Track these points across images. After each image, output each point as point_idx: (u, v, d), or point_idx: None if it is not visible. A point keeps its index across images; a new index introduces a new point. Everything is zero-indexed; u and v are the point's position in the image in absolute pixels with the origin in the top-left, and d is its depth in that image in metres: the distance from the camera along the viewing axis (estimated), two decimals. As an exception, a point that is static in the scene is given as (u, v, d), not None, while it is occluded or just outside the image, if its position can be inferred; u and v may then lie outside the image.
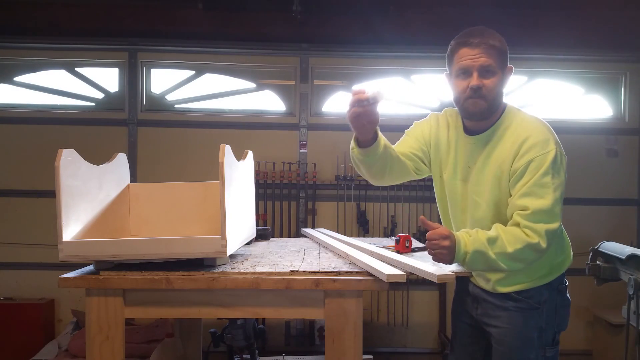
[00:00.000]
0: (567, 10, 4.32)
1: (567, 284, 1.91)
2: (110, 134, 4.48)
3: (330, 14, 4.36)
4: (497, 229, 1.69)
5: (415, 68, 4.58)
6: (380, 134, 1.82)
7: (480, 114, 1.78)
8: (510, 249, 1.65)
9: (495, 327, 1.87)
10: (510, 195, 1.75)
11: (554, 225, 1.67)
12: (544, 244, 1.66)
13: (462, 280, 2.00)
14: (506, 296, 1.84)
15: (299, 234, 4.42)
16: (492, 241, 1.66)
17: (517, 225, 1.69)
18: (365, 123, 1.71)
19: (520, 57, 4.55)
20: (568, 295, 1.91)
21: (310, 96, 4.56)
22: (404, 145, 2.02)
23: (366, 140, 1.79)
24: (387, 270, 1.77)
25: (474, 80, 1.73)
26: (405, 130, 2.09)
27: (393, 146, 1.96)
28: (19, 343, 4.10)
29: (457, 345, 2.08)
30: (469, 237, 1.69)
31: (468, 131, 1.89)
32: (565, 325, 1.89)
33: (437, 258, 1.71)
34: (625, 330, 2.72)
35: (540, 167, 1.68)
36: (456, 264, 1.75)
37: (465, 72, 1.75)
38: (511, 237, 1.66)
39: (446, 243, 1.66)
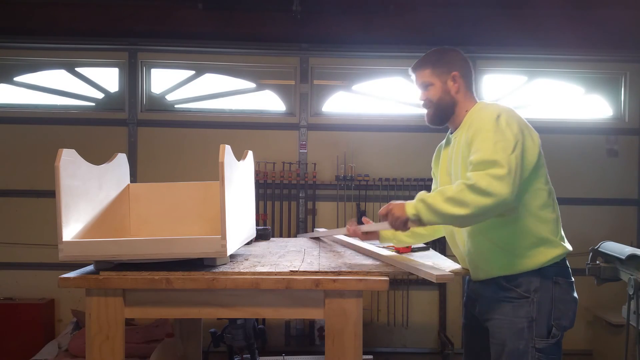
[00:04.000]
0: (567, 10, 4.32)
1: (573, 280, 1.90)
2: (110, 134, 4.48)
3: (330, 13, 4.36)
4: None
5: (415, 68, 4.58)
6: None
7: (431, 120, 2.04)
8: (449, 193, 1.73)
9: (490, 320, 1.90)
10: None
11: (497, 171, 1.69)
12: (483, 185, 1.68)
13: (467, 284, 2.07)
14: (497, 286, 1.87)
15: (299, 234, 4.43)
16: (440, 192, 1.77)
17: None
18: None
19: (520, 57, 4.56)
20: (575, 294, 1.90)
21: (310, 96, 4.56)
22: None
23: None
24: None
25: (419, 96, 2.06)
26: None
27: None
28: (19, 343, 4.10)
29: (470, 356, 2.11)
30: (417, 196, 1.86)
31: (451, 133, 2.08)
32: (568, 321, 1.87)
33: (395, 220, 1.84)
34: (625, 330, 2.72)
35: (482, 127, 1.80)
36: (413, 220, 1.81)
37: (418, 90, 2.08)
38: (455, 185, 1.75)
39: (390, 207, 1.85)
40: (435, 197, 1.75)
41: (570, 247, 1.90)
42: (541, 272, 1.84)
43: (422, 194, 1.81)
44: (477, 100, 2.01)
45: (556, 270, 1.86)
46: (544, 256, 1.84)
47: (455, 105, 1.99)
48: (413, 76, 2.06)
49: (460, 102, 1.99)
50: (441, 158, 2.09)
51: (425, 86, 2.01)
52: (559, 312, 1.85)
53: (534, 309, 1.82)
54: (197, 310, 1.84)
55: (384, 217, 1.86)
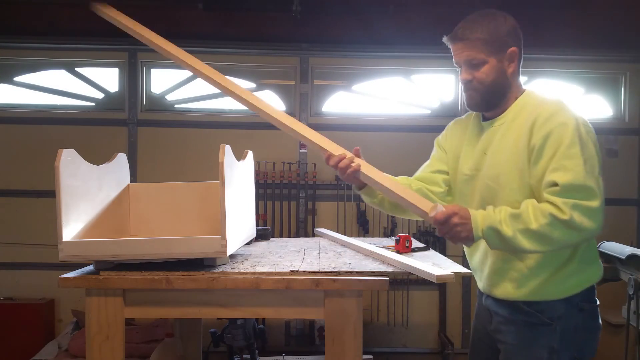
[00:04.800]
0: (567, 10, 4.32)
1: (598, 304, 1.71)
2: (110, 134, 4.47)
3: (330, 13, 4.36)
4: (526, 204, 1.53)
5: (415, 68, 4.58)
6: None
7: (475, 106, 1.74)
8: (534, 225, 1.48)
9: (504, 343, 1.75)
10: (530, 176, 1.59)
11: (591, 203, 1.45)
12: (577, 220, 1.45)
13: (480, 295, 1.92)
14: (515, 308, 1.70)
15: (299, 234, 4.42)
16: (514, 217, 1.52)
17: (547, 202, 1.52)
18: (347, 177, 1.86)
19: (520, 57, 4.55)
20: (600, 320, 1.72)
21: (310, 96, 4.55)
22: (425, 170, 2.00)
23: (358, 185, 1.94)
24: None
25: (462, 74, 1.71)
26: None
27: (418, 172, 2.00)
28: (19, 343, 4.10)
29: None
30: (484, 213, 1.57)
31: (485, 118, 1.80)
32: (591, 352, 1.70)
33: (456, 237, 1.61)
34: (625, 330, 2.72)
35: (563, 139, 1.51)
36: (477, 240, 1.61)
37: (459, 66, 1.73)
38: (539, 212, 1.48)
39: (455, 220, 1.58)
40: (510, 226, 1.50)
41: (601, 273, 1.72)
42: (568, 298, 1.66)
43: (490, 218, 1.54)
44: (522, 86, 1.73)
45: (582, 295, 1.67)
46: (573, 287, 1.66)
47: (508, 89, 1.67)
48: (459, 47, 1.69)
49: (513, 86, 1.68)
50: (465, 147, 1.81)
51: (474, 65, 1.65)
52: (583, 342, 1.68)
53: (556, 338, 1.64)
54: (197, 310, 1.84)
55: (437, 222, 1.60)
